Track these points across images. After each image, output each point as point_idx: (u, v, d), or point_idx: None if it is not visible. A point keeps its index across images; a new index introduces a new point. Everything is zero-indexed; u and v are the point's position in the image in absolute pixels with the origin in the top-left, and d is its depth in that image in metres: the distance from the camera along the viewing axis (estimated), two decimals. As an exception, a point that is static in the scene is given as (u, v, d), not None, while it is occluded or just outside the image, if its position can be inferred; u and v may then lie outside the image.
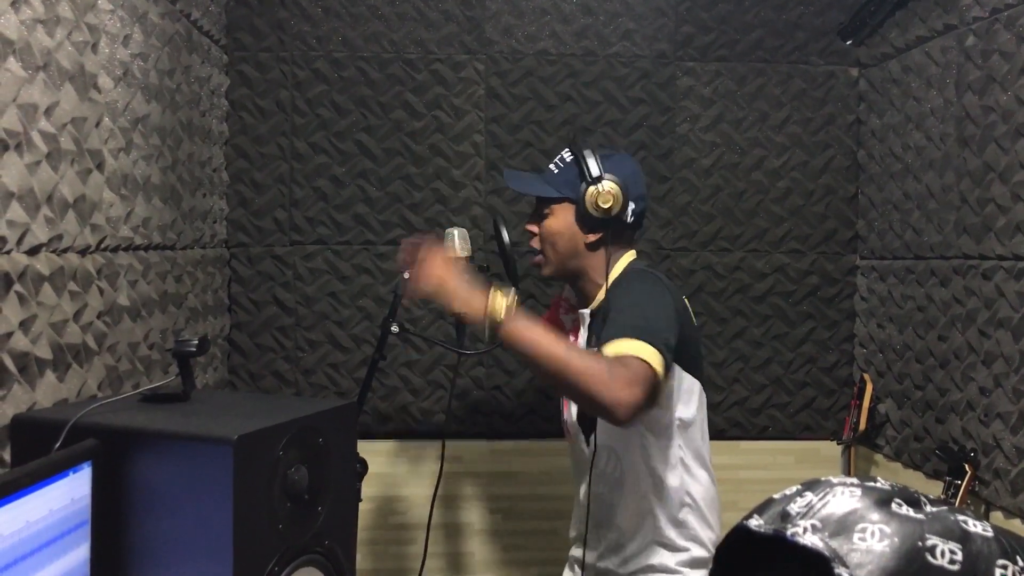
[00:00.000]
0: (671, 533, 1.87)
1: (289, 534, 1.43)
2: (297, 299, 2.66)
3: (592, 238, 1.88)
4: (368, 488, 2.06)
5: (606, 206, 1.83)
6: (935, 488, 2.23)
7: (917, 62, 2.47)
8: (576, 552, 2.02)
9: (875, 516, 0.65)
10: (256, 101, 2.64)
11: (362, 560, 2.42)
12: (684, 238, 2.74)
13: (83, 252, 1.66)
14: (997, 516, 2.09)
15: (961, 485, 2.10)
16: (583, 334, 1.92)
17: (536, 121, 2.69)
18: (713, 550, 1.87)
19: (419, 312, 2.66)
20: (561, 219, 1.89)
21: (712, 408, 1.96)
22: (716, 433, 2.34)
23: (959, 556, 0.62)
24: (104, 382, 1.73)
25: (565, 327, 2.08)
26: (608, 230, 1.87)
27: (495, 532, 2.73)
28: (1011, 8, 2.08)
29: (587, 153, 1.86)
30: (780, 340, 2.77)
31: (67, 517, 1.22)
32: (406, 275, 1.94)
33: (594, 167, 1.84)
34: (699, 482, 1.89)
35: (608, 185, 1.84)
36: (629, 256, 1.92)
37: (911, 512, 0.65)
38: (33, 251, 1.48)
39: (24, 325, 1.43)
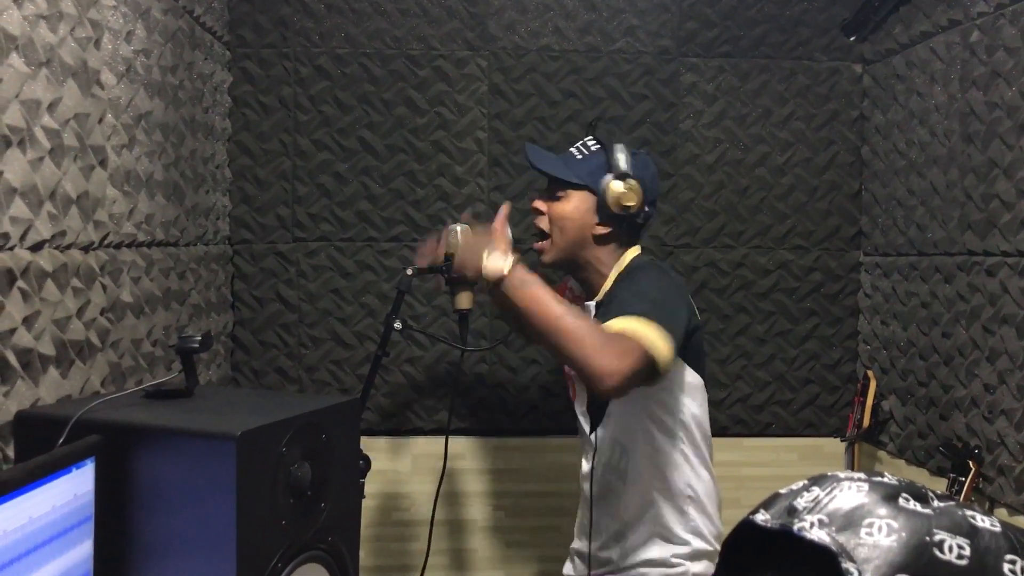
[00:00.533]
0: (673, 526, 1.87)
1: (292, 530, 1.43)
2: (300, 296, 2.66)
3: (602, 231, 1.87)
4: (371, 485, 2.05)
5: (628, 204, 1.84)
6: (939, 485, 2.22)
7: (921, 58, 2.46)
8: (576, 544, 2.02)
9: (882, 511, 0.64)
10: (259, 97, 2.63)
11: (365, 557, 2.43)
12: (687, 234, 2.73)
13: (86, 248, 1.66)
14: (1001, 512, 2.08)
15: (965, 482, 2.09)
16: None
17: (539, 117, 2.68)
18: (714, 543, 1.88)
19: (422, 309, 2.66)
20: (575, 204, 1.88)
21: (715, 405, 1.96)
22: (719, 430, 2.33)
23: (967, 551, 0.62)
24: (107, 378, 1.73)
25: None
26: (621, 227, 1.87)
27: (498, 529, 2.73)
28: (1016, 3, 2.08)
29: (619, 148, 1.86)
30: (783, 337, 2.77)
31: (70, 513, 1.22)
32: (409, 271, 1.94)
33: (623, 163, 1.84)
34: (701, 479, 1.89)
35: (634, 184, 1.84)
36: (634, 251, 1.92)
37: (919, 507, 0.65)
38: (36, 247, 1.48)
39: (27, 321, 1.43)
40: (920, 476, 2.44)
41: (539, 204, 1.94)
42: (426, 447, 2.68)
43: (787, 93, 2.74)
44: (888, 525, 0.63)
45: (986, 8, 2.18)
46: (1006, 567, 0.62)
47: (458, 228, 1.89)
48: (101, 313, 1.71)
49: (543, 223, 1.92)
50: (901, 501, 0.65)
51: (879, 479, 0.68)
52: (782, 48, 2.74)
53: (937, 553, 0.62)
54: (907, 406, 2.52)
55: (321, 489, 1.50)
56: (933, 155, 2.39)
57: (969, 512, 0.65)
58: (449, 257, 1.83)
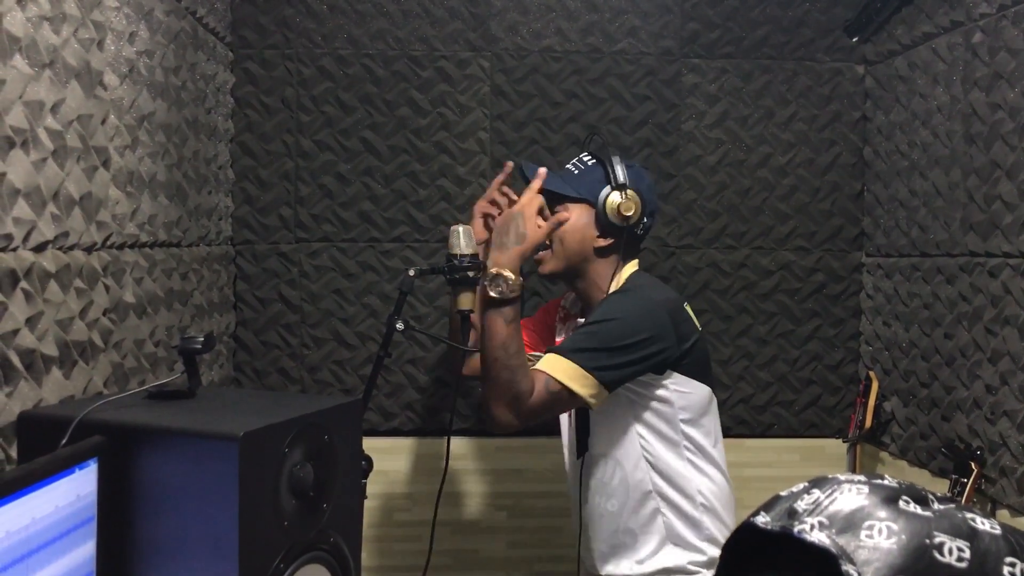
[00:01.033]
0: (686, 533, 1.87)
1: (294, 531, 1.43)
2: (302, 296, 2.66)
3: (603, 243, 1.90)
4: (373, 485, 2.05)
5: (628, 214, 1.87)
6: (941, 486, 2.22)
7: (923, 59, 2.46)
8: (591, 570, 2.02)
9: (882, 513, 0.64)
10: (261, 98, 2.64)
11: (367, 557, 2.43)
12: (689, 235, 2.73)
13: (89, 249, 1.66)
14: (1003, 514, 2.08)
15: (967, 483, 2.09)
16: None
17: (541, 118, 2.68)
18: None
19: (424, 310, 2.66)
20: (576, 218, 1.91)
21: (718, 405, 1.97)
22: (721, 431, 2.33)
23: (967, 554, 0.62)
24: (110, 379, 1.73)
25: (554, 334, 2.10)
26: (620, 238, 1.89)
27: (500, 529, 2.73)
28: (1018, 5, 2.07)
29: (616, 160, 1.89)
30: (785, 337, 2.77)
31: (73, 514, 1.22)
32: (411, 272, 1.95)
33: (621, 175, 1.87)
34: (714, 484, 1.89)
35: (632, 195, 1.87)
36: (631, 267, 1.94)
37: (919, 510, 0.65)
38: (39, 248, 1.48)
39: (30, 322, 1.43)
40: (922, 477, 2.44)
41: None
42: (428, 448, 2.69)
43: (789, 94, 2.74)
44: (888, 527, 0.63)
45: (988, 9, 2.18)
46: (1006, 569, 0.62)
47: (460, 229, 1.90)
48: (104, 314, 1.71)
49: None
50: (901, 503, 0.65)
51: (879, 481, 0.68)
52: (784, 49, 2.74)
53: (937, 555, 0.62)
54: (909, 407, 2.52)
55: (323, 489, 1.51)
56: (935, 156, 2.39)
57: (969, 514, 0.65)
58: (451, 258, 1.84)
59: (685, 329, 1.84)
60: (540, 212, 1.82)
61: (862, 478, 0.69)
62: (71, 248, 1.59)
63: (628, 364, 1.77)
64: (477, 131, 2.68)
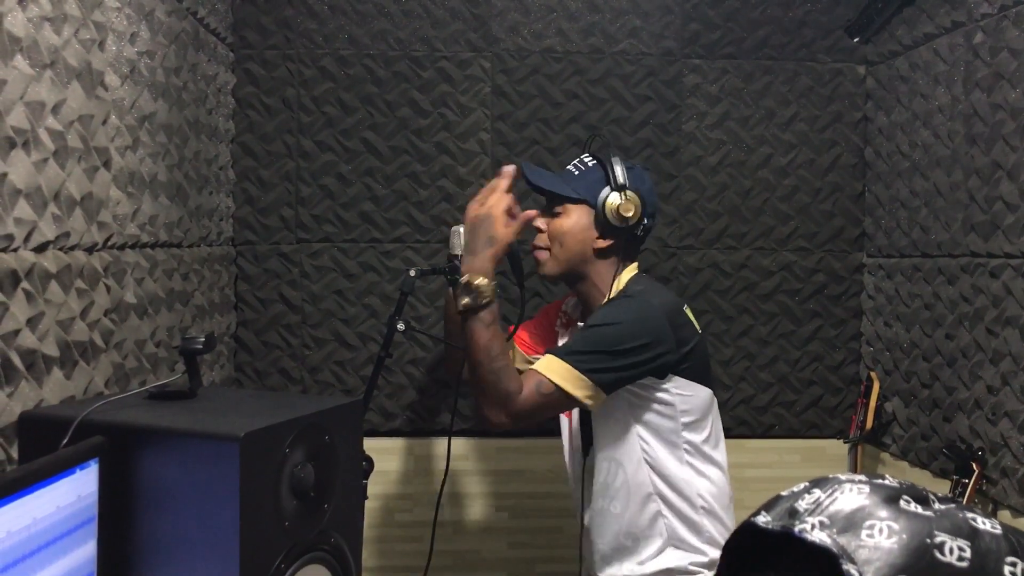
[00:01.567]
0: (686, 536, 1.87)
1: (295, 531, 1.43)
2: (303, 297, 2.66)
3: (603, 244, 1.90)
4: (374, 486, 2.06)
5: (627, 215, 1.86)
6: (942, 487, 2.22)
7: (925, 59, 2.46)
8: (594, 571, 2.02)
9: (883, 513, 0.64)
10: (262, 99, 2.64)
11: (368, 558, 2.43)
12: (690, 236, 2.73)
13: (90, 250, 1.66)
14: (1005, 515, 2.08)
15: (968, 484, 2.09)
16: None
17: (542, 119, 2.68)
18: None
19: (425, 310, 2.66)
20: (574, 219, 1.91)
21: (718, 406, 1.97)
22: (723, 431, 2.33)
23: (968, 553, 0.62)
24: (111, 379, 1.73)
25: (553, 335, 2.10)
26: (620, 239, 1.89)
27: (501, 530, 2.73)
28: (1019, 5, 2.07)
29: (615, 161, 1.89)
30: (786, 338, 2.77)
31: (74, 514, 1.23)
32: (412, 272, 1.96)
33: (621, 175, 1.87)
34: (712, 482, 1.89)
35: (632, 195, 1.86)
36: (631, 270, 1.93)
37: (919, 509, 0.65)
38: (40, 249, 1.48)
39: (31, 322, 1.43)
40: (923, 478, 2.44)
41: (540, 222, 1.96)
42: (429, 448, 2.69)
43: (790, 95, 2.74)
44: (889, 527, 0.63)
45: (989, 10, 2.18)
46: (1007, 569, 0.62)
47: (460, 229, 1.90)
48: (105, 314, 1.71)
49: (542, 240, 1.95)
50: (902, 503, 0.65)
51: (880, 481, 0.68)
52: (785, 50, 2.74)
53: (938, 555, 0.62)
54: (910, 408, 2.52)
55: (324, 490, 1.51)
56: (936, 157, 2.39)
57: (970, 514, 0.65)
58: (452, 258, 1.84)
59: (684, 333, 1.84)
60: (508, 212, 1.80)
61: (863, 478, 0.69)
62: (72, 248, 1.59)
63: (625, 368, 1.78)
64: (478, 132, 2.68)
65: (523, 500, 2.73)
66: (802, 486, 0.70)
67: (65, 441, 1.31)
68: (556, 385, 1.75)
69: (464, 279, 1.76)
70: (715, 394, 1.93)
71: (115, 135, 1.77)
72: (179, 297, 2.15)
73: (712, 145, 2.73)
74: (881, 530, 0.63)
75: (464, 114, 2.67)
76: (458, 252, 1.83)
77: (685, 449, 1.87)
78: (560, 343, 2.05)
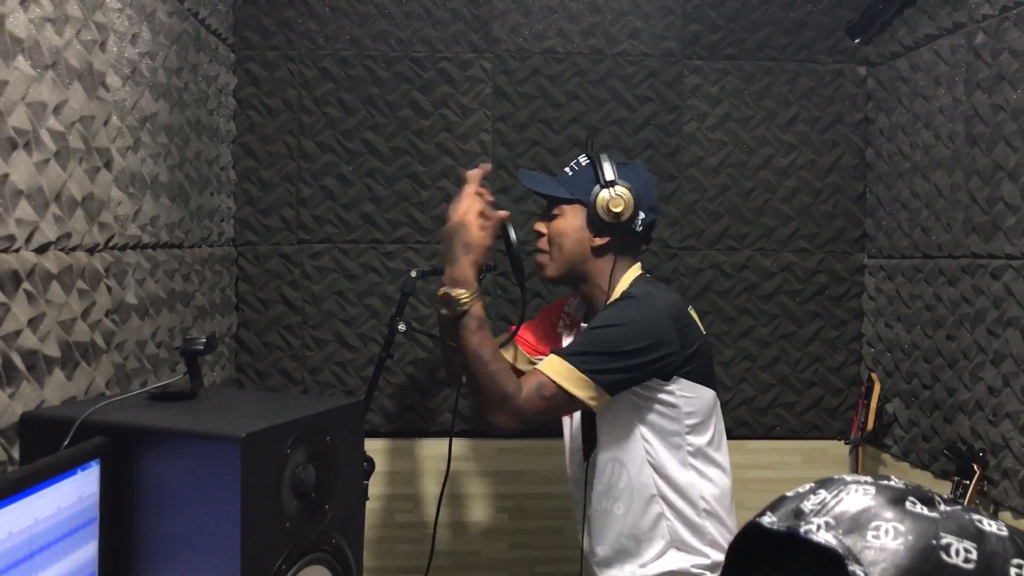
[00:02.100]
0: (689, 538, 1.87)
1: (296, 532, 1.43)
2: (304, 297, 2.66)
3: (599, 242, 1.90)
4: (375, 487, 2.06)
5: (617, 210, 1.86)
6: (943, 488, 2.22)
7: (926, 60, 2.46)
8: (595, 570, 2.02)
9: (889, 514, 0.64)
10: (263, 100, 2.64)
11: (369, 558, 2.43)
12: (691, 237, 2.73)
13: (91, 250, 1.66)
14: (1006, 516, 2.08)
15: (970, 485, 2.09)
16: None
17: (543, 119, 2.68)
18: None
19: (426, 311, 2.66)
20: (571, 220, 1.91)
21: (721, 411, 1.97)
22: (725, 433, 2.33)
23: (974, 555, 0.62)
24: (112, 380, 1.73)
25: (554, 334, 2.10)
26: (616, 236, 1.89)
27: (501, 531, 2.73)
28: (1020, 6, 2.07)
29: (603, 158, 1.89)
30: (787, 339, 2.77)
31: (75, 515, 1.22)
32: (413, 273, 1.96)
33: (609, 172, 1.87)
34: (715, 484, 1.89)
35: (620, 190, 1.86)
36: (635, 271, 1.93)
37: (925, 511, 0.65)
38: (41, 249, 1.48)
39: (32, 323, 1.43)
40: (924, 479, 2.44)
41: (539, 226, 1.98)
42: (429, 449, 2.69)
43: (791, 95, 2.74)
44: (895, 528, 0.63)
45: (990, 11, 2.18)
46: (1013, 571, 0.62)
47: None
48: (106, 315, 1.71)
49: (544, 244, 1.96)
50: (908, 504, 0.65)
51: (885, 482, 0.68)
52: (786, 50, 2.74)
53: (944, 556, 0.62)
54: (911, 409, 2.52)
55: (325, 491, 1.50)
56: (937, 158, 2.39)
57: (976, 516, 0.65)
58: None
59: (688, 334, 1.83)
60: (481, 214, 1.82)
61: (868, 479, 0.69)
62: (73, 249, 1.59)
63: (628, 369, 1.78)
64: (479, 132, 2.68)
65: (524, 501, 2.73)
66: (807, 487, 0.70)
67: (66, 442, 1.31)
68: (559, 386, 1.75)
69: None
70: (717, 395, 1.93)
71: (116, 136, 1.77)
72: (180, 298, 2.15)
73: (713, 146, 2.73)
74: (887, 531, 0.63)
75: (465, 115, 2.67)
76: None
77: (688, 451, 1.87)
78: (564, 344, 2.05)
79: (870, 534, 0.63)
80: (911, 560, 0.62)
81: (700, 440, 1.87)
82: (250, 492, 1.31)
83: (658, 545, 1.88)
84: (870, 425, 2.53)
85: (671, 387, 1.83)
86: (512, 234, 1.89)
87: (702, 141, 2.72)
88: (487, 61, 2.67)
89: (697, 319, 1.91)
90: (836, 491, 0.67)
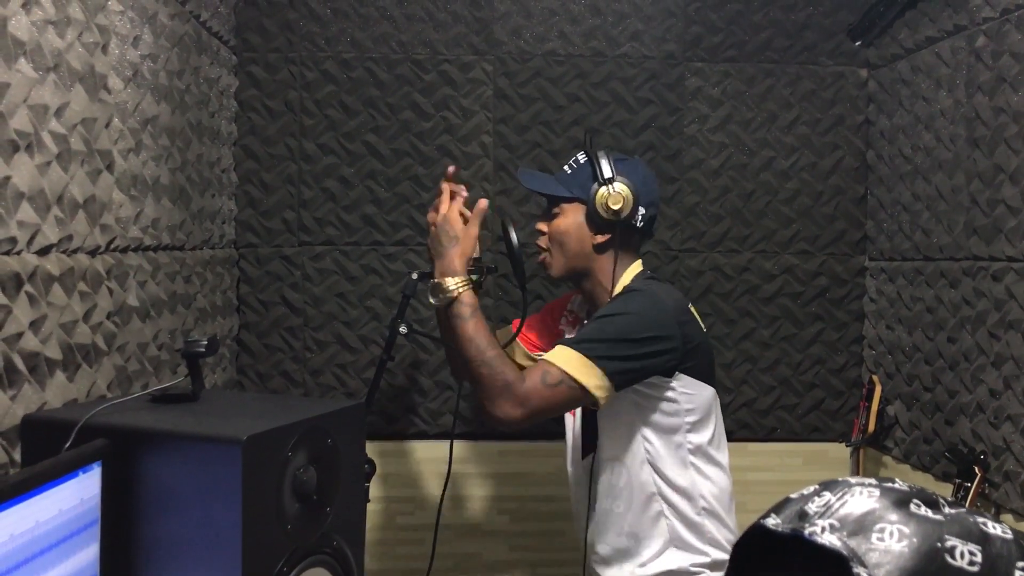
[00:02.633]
0: (688, 537, 1.87)
1: (298, 534, 1.43)
2: (305, 300, 2.66)
3: (600, 239, 1.90)
4: (376, 489, 2.06)
5: (615, 207, 1.86)
6: (944, 490, 2.22)
7: (927, 63, 2.46)
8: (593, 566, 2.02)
9: (894, 516, 0.64)
10: (265, 102, 2.64)
11: (370, 561, 2.42)
12: (692, 239, 2.73)
13: (93, 253, 1.66)
14: (1008, 519, 2.08)
15: (971, 488, 2.09)
16: None
17: (544, 122, 2.68)
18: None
19: (427, 313, 2.66)
20: (570, 218, 1.91)
21: (720, 409, 1.97)
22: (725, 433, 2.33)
23: (979, 558, 0.62)
24: (113, 382, 1.73)
25: (559, 334, 2.10)
26: (616, 233, 1.89)
27: (503, 533, 2.73)
28: (1021, 8, 2.08)
29: (601, 155, 1.89)
30: (788, 341, 2.76)
31: (77, 517, 1.22)
32: (414, 275, 1.96)
33: (607, 168, 1.87)
34: (713, 482, 1.89)
35: (619, 187, 1.86)
36: (636, 267, 1.93)
37: (930, 513, 0.65)
38: (43, 252, 1.48)
39: (34, 325, 1.43)
40: (925, 481, 2.43)
41: (541, 225, 1.99)
42: (430, 451, 2.68)
43: (792, 97, 2.74)
44: (899, 530, 0.63)
45: (992, 13, 2.18)
46: (1017, 574, 0.62)
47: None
48: (107, 317, 1.71)
49: (544, 243, 1.96)
50: (912, 507, 0.65)
51: (890, 484, 0.68)
52: (787, 53, 2.74)
53: (948, 559, 0.62)
54: (912, 411, 2.52)
55: (326, 493, 1.50)
56: (938, 160, 2.39)
57: (980, 519, 0.65)
58: None
59: (690, 330, 1.83)
60: (462, 212, 1.87)
61: (873, 481, 0.68)
62: (75, 251, 1.59)
63: (633, 359, 1.76)
64: (480, 135, 2.68)
65: (525, 503, 2.72)
66: (812, 489, 0.70)
67: (68, 444, 1.31)
68: (565, 372, 1.72)
69: (431, 283, 1.81)
70: (717, 396, 1.93)
71: (118, 138, 1.77)
72: (181, 300, 2.15)
73: (714, 148, 2.73)
74: (892, 533, 0.63)
75: (466, 117, 2.67)
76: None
77: (688, 449, 1.87)
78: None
79: (874, 536, 0.63)
80: (916, 562, 0.61)
81: (700, 438, 1.87)
82: (251, 494, 1.31)
83: (657, 544, 1.88)
84: (871, 427, 2.53)
85: (672, 383, 1.82)
86: (513, 236, 1.89)
87: (703, 143, 2.72)
88: (488, 63, 2.68)
89: (697, 316, 1.91)
90: (840, 493, 0.67)
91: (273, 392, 2.65)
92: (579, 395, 1.75)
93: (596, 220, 1.89)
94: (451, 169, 1.92)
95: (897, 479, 0.70)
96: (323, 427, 1.50)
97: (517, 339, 2.11)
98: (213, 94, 2.41)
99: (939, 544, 0.62)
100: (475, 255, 1.88)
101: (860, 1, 2.71)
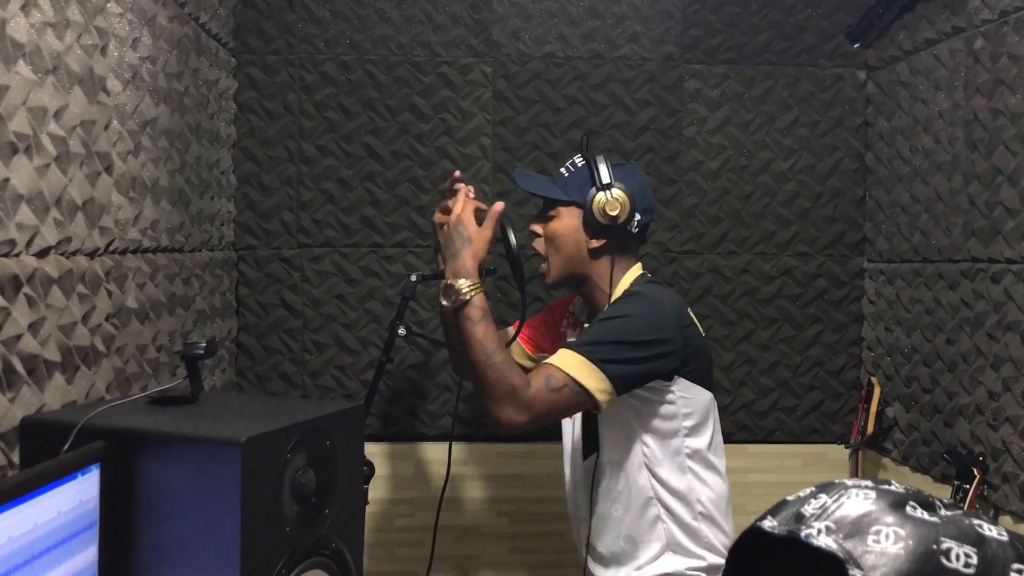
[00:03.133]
0: (684, 541, 1.87)
1: (296, 536, 1.43)
2: (304, 301, 2.66)
3: (596, 244, 1.89)
4: (375, 491, 2.05)
5: (613, 213, 1.86)
6: (943, 492, 2.22)
7: (925, 65, 2.46)
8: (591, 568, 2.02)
9: (890, 519, 0.64)
10: (264, 104, 2.64)
11: (369, 562, 2.42)
12: (691, 241, 2.73)
13: (92, 255, 1.66)
14: (1006, 520, 2.08)
15: (969, 489, 2.09)
16: None
17: (543, 124, 2.69)
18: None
19: (426, 315, 2.66)
20: (566, 222, 1.91)
21: (719, 411, 1.97)
22: (723, 436, 2.33)
23: (974, 560, 0.62)
24: (112, 384, 1.73)
25: (560, 336, 2.10)
26: (612, 238, 1.89)
27: (501, 535, 2.73)
28: (1020, 11, 2.08)
29: (599, 160, 1.88)
30: (787, 343, 2.77)
31: (75, 519, 1.22)
32: (413, 277, 1.96)
33: (605, 174, 1.87)
34: (714, 492, 1.89)
35: (616, 193, 1.86)
36: (635, 271, 1.93)
37: (926, 515, 0.65)
38: (42, 254, 1.48)
39: (33, 327, 1.43)
40: (924, 483, 2.43)
41: (535, 227, 1.97)
42: (429, 453, 2.69)
43: (791, 99, 2.74)
44: (895, 533, 0.63)
45: (990, 15, 2.18)
46: (1013, 576, 0.62)
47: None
48: (106, 319, 1.71)
49: (540, 245, 1.96)
50: (908, 509, 0.65)
51: (886, 487, 0.68)
52: (786, 54, 2.74)
53: (944, 561, 0.62)
54: (911, 413, 2.52)
55: (325, 495, 1.50)
56: (937, 162, 2.39)
57: (976, 521, 0.65)
58: None
59: (690, 334, 1.84)
60: (475, 213, 1.86)
61: (869, 483, 0.69)
62: (74, 253, 1.59)
63: (636, 362, 1.76)
64: (479, 136, 2.68)
65: (524, 505, 2.72)
66: (808, 491, 0.70)
67: (67, 446, 1.31)
68: (569, 376, 1.73)
69: (443, 283, 1.80)
70: (716, 399, 1.93)
71: (117, 140, 1.78)
72: (180, 302, 2.15)
73: (713, 150, 2.73)
74: (887, 536, 0.63)
75: (465, 119, 2.67)
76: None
77: (686, 454, 1.87)
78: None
79: (871, 538, 0.63)
80: (912, 564, 0.62)
81: (698, 443, 1.87)
82: (250, 496, 1.31)
83: (654, 548, 1.88)
84: (870, 429, 2.53)
85: (671, 387, 1.82)
86: (512, 237, 1.89)
87: (702, 145, 2.73)
88: (487, 65, 2.68)
89: (696, 320, 1.91)
90: (837, 495, 0.67)
91: (272, 394, 2.65)
92: (582, 399, 1.75)
93: (593, 225, 1.89)
94: (456, 173, 1.92)
95: (893, 481, 0.70)
96: (322, 429, 1.50)
97: (518, 339, 2.11)
98: (212, 96, 2.42)
99: (935, 546, 0.62)
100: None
101: (859, 3, 2.72)
